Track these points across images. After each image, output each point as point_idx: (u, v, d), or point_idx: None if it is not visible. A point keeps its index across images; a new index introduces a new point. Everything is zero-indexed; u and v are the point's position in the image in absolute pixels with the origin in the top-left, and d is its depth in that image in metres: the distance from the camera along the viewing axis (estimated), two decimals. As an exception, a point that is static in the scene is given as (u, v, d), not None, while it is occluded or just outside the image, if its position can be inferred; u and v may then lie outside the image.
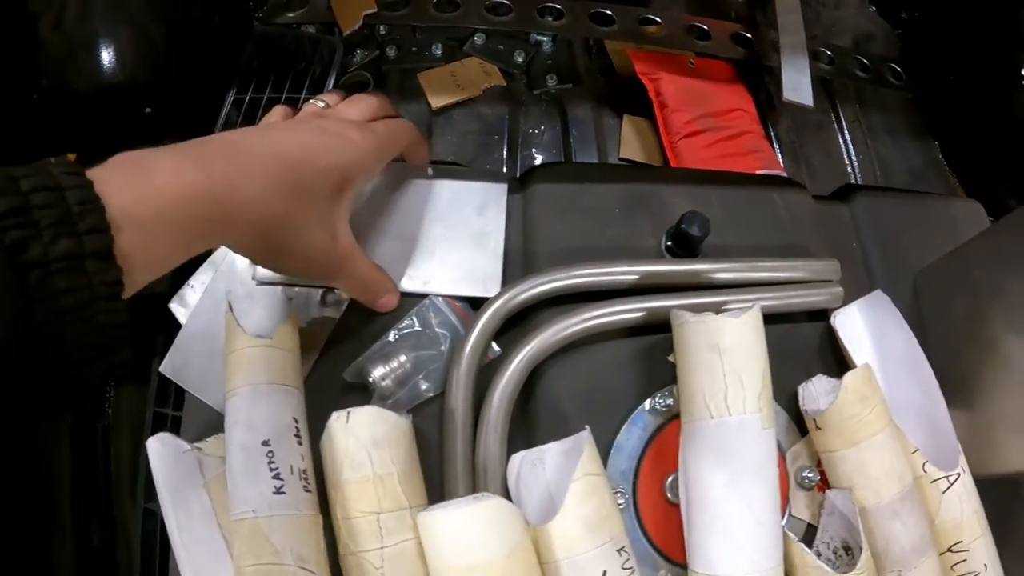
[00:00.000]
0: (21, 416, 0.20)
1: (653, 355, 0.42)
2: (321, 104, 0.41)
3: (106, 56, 0.65)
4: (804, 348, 0.46)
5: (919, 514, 0.40)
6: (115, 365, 0.26)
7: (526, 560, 0.32)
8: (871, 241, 0.53)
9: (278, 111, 0.40)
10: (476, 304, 0.43)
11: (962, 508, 0.42)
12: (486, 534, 0.31)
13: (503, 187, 0.47)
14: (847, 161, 0.81)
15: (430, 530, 0.32)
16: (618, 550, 0.34)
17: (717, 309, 0.41)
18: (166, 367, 0.44)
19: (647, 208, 0.47)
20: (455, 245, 0.44)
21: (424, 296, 0.43)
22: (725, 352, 0.36)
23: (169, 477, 0.36)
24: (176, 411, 0.65)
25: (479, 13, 0.77)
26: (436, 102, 0.73)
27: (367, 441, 0.35)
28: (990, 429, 0.44)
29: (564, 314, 0.41)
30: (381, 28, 0.78)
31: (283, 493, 0.33)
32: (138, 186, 0.25)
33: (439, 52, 0.76)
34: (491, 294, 0.42)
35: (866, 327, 0.46)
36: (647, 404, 0.41)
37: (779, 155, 0.77)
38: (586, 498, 0.34)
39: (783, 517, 0.41)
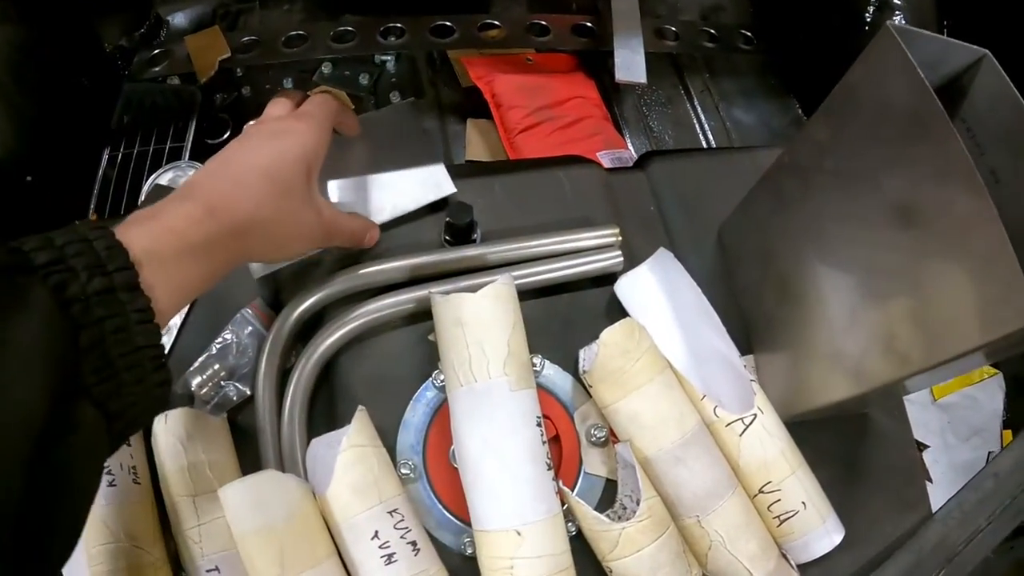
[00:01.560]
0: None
1: (430, 328, 0.46)
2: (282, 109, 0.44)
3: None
4: (591, 314, 0.49)
5: (708, 459, 0.42)
6: (160, 385, 0.29)
7: (305, 525, 0.37)
8: (672, 203, 0.56)
9: (280, 103, 0.44)
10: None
11: (764, 448, 0.44)
12: (268, 501, 0.36)
13: (408, 102, 0.52)
14: (699, 130, 0.85)
15: (224, 503, 0.36)
16: (389, 512, 0.37)
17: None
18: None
19: (433, 206, 0.50)
20: (399, 167, 0.50)
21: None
22: (466, 325, 0.39)
23: None
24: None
25: (326, 43, 0.81)
26: (290, 133, 0.77)
27: (181, 436, 0.40)
28: (795, 369, 0.47)
29: (343, 313, 0.44)
30: (238, 71, 0.82)
31: (115, 486, 0.39)
32: (153, 230, 0.30)
33: (290, 85, 0.81)
34: (448, 192, 0.50)
35: (657, 284, 0.49)
36: (429, 382, 0.44)
37: (627, 134, 0.81)
38: (352, 467, 0.38)
39: (578, 473, 0.44)
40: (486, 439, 0.38)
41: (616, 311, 0.50)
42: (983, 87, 0.37)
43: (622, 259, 0.49)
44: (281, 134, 0.40)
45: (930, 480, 0.88)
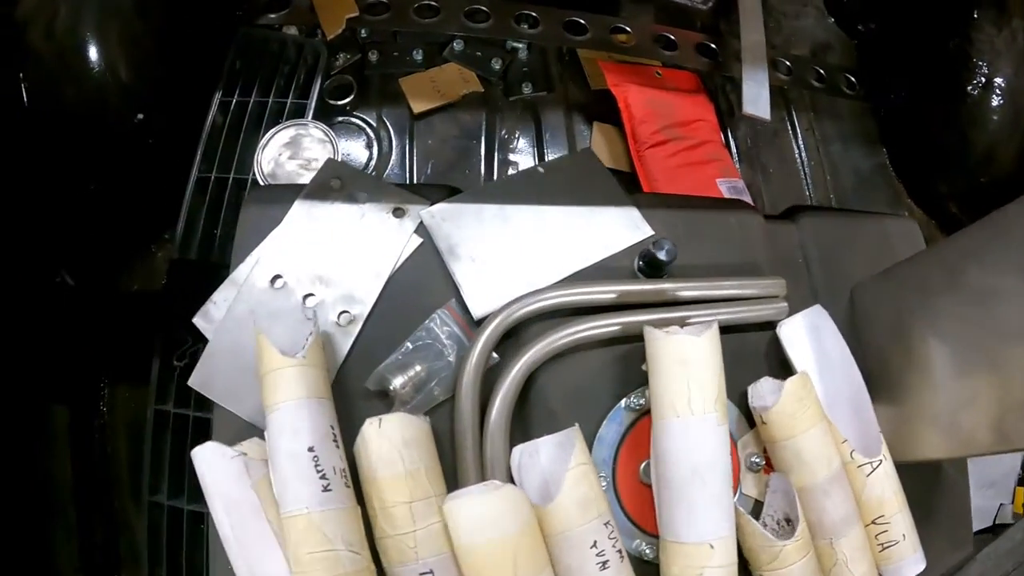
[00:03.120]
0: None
1: (627, 362, 0.52)
2: None
3: (98, 63, 0.70)
4: (754, 354, 0.57)
5: (846, 493, 0.52)
6: None
7: (533, 536, 0.43)
8: (814, 257, 0.64)
9: None
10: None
11: (883, 488, 0.54)
12: (502, 516, 0.41)
13: (586, 151, 0.61)
14: (800, 167, 0.93)
15: (455, 514, 0.41)
16: (604, 524, 0.44)
17: (681, 323, 0.51)
18: (195, 380, 0.51)
19: (623, 231, 0.56)
20: (597, 212, 0.57)
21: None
22: (689, 364, 0.46)
23: (218, 480, 0.44)
24: (177, 408, 0.73)
25: (458, 19, 0.84)
26: (417, 107, 0.81)
27: (398, 442, 0.43)
28: (909, 422, 0.56)
29: (553, 328, 0.50)
30: (363, 32, 0.84)
31: (330, 491, 0.42)
32: None
33: (419, 57, 0.83)
34: (647, 235, 0.56)
35: (807, 336, 0.58)
36: (623, 403, 0.51)
37: (737, 161, 0.88)
38: (578, 483, 0.44)
39: (735, 494, 0.52)
40: (695, 466, 0.46)
41: (774, 353, 0.57)
42: None
43: (787, 309, 0.57)
44: None
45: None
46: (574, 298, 0.51)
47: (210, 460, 0.45)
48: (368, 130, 0.81)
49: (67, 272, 0.78)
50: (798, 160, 0.92)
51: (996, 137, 0.92)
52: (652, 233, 0.56)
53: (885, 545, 0.54)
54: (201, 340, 0.74)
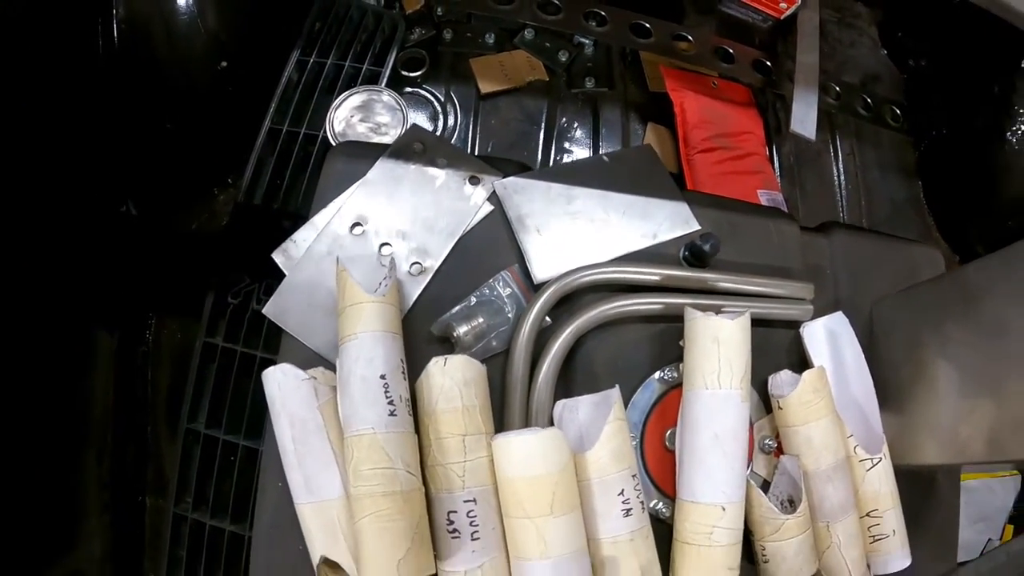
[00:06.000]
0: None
1: (664, 339, 0.62)
2: None
3: (189, 9, 0.80)
4: (777, 348, 0.66)
5: (847, 483, 0.61)
6: None
7: (570, 477, 0.51)
8: (842, 269, 0.73)
9: None
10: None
11: (880, 484, 0.63)
12: (545, 454, 0.50)
13: (648, 147, 0.70)
14: (837, 189, 1.02)
15: (504, 449, 0.50)
16: (632, 476, 0.53)
17: (717, 310, 0.60)
18: (269, 310, 0.60)
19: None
20: (652, 203, 0.66)
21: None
22: (722, 344, 0.55)
23: (287, 398, 0.53)
24: (226, 343, 0.82)
25: (531, 9, 0.93)
26: (485, 88, 0.90)
27: (459, 381, 0.52)
28: (912, 430, 0.65)
29: (603, 300, 0.59)
30: (439, 10, 0.93)
31: (395, 415, 0.50)
32: None
33: (491, 41, 0.93)
34: (694, 229, 0.65)
35: (826, 338, 0.67)
36: (657, 375, 0.61)
37: (778, 176, 0.97)
38: (614, 436, 0.53)
39: (747, 470, 0.62)
40: (717, 434, 0.55)
41: (795, 350, 0.67)
42: None
43: (812, 311, 0.66)
44: None
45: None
46: (624, 275, 0.61)
47: (281, 380, 0.53)
48: (436, 103, 0.90)
49: (133, 203, 0.88)
50: (836, 182, 1.02)
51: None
52: (699, 228, 0.65)
53: (876, 537, 0.64)
54: (256, 280, 0.84)
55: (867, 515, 0.64)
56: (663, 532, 0.58)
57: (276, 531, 0.55)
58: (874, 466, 0.64)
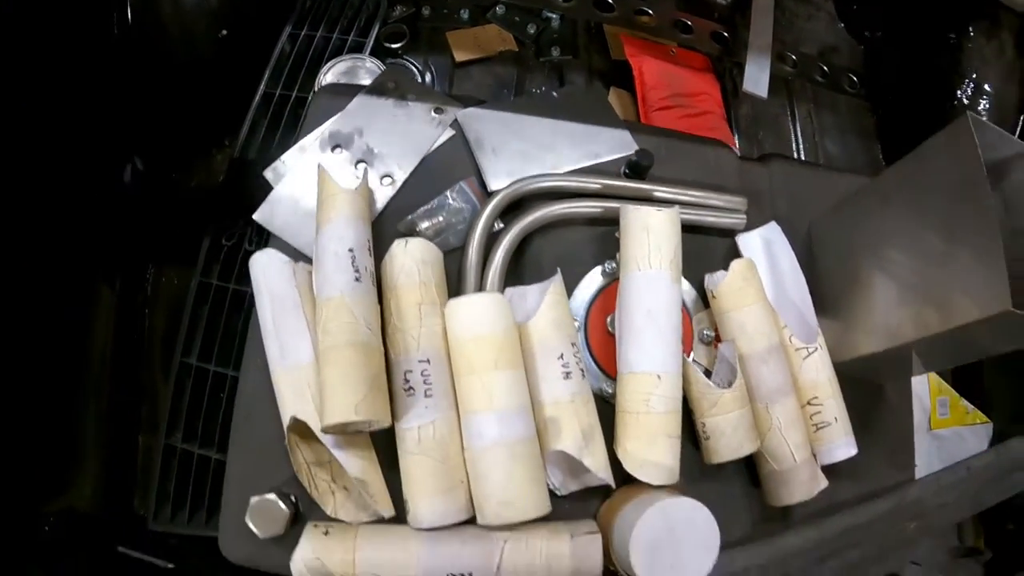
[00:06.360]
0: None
1: (606, 239, 0.69)
2: None
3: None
4: (714, 255, 0.73)
5: (782, 366, 0.66)
6: None
7: (514, 339, 0.58)
8: (781, 194, 0.80)
9: None
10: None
11: (817, 373, 0.68)
12: (490, 315, 0.57)
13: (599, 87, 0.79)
14: (796, 151, 1.10)
15: (454, 310, 0.58)
16: (571, 344, 0.60)
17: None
18: (259, 215, 0.68)
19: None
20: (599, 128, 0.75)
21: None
22: (651, 231, 0.63)
23: (270, 278, 0.61)
24: (220, 282, 0.90)
25: (504, -14, 1.04)
26: (460, 57, 1.00)
27: (418, 260, 0.60)
28: (852, 329, 0.71)
29: (548, 204, 0.67)
30: (419, -14, 1.04)
31: (360, 282, 0.58)
32: None
33: (466, 16, 1.03)
34: (633, 149, 0.72)
35: (762, 247, 0.74)
36: (599, 269, 0.68)
37: (736, 137, 1.05)
38: (554, 307, 0.60)
39: (690, 357, 0.68)
40: (649, 310, 0.62)
41: (731, 257, 0.74)
42: (1020, 170, 0.63)
43: (744, 220, 0.73)
44: None
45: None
46: (568, 184, 0.69)
47: (265, 263, 0.61)
48: (415, 70, 1.00)
49: (140, 160, 0.98)
50: (794, 144, 1.09)
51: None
52: (636, 147, 0.73)
53: (819, 426, 0.68)
54: (250, 224, 0.93)
55: (808, 403, 0.68)
56: (609, 413, 0.63)
57: (254, 409, 0.62)
58: (810, 355, 0.69)
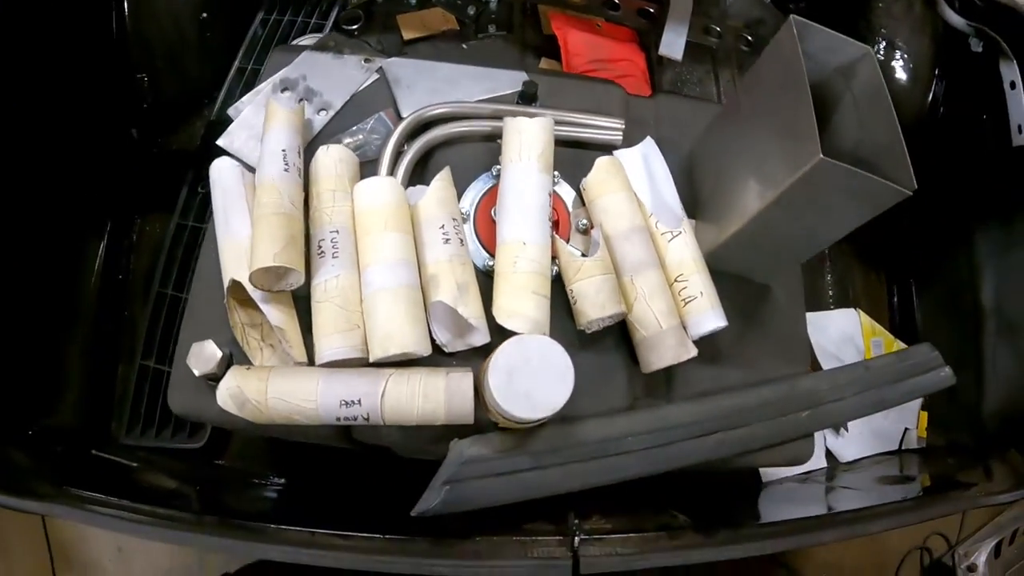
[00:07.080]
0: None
1: (496, 150, 0.85)
2: None
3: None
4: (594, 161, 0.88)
5: (645, 244, 0.79)
6: None
7: (404, 211, 0.75)
8: (665, 122, 0.95)
9: None
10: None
11: (682, 253, 0.81)
12: (384, 191, 0.75)
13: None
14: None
15: (358, 190, 0.75)
16: (452, 218, 0.77)
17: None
18: (222, 140, 0.87)
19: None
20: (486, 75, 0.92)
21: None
22: (523, 133, 0.79)
23: (224, 176, 0.80)
24: (196, 223, 1.09)
25: (448, -23, 1.24)
26: (407, 35, 1.20)
27: (336, 159, 0.79)
28: (719, 226, 0.83)
29: (448, 124, 0.85)
30: (371, -25, 1.25)
31: (288, 172, 0.76)
32: None
33: (414, 1, 1.23)
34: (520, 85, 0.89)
35: (639, 158, 0.89)
36: (491, 171, 0.84)
37: (658, 96, 1.21)
38: (440, 190, 0.77)
39: (566, 242, 0.83)
40: (520, 192, 0.78)
41: (612, 170, 0.89)
42: (864, 70, 0.77)
43: (621, 137, 0.89)
44: None
45: (846, 430, 1.23)
46: (462, 109, 0.86)
47: (221, 166, 0.81)
48: (369, 47, 1.20)
49: (135, 129, 1.19)
50: (716, 104, 1.25)
51: (897, 87, 1.22)
52: (527, 77, 0.90)
53: (687, 300, 0.79)
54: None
55: (676, 281, 0.80)
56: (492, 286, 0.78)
57: (206, 292, 0.79)
58: (675, 237, 0.82)
